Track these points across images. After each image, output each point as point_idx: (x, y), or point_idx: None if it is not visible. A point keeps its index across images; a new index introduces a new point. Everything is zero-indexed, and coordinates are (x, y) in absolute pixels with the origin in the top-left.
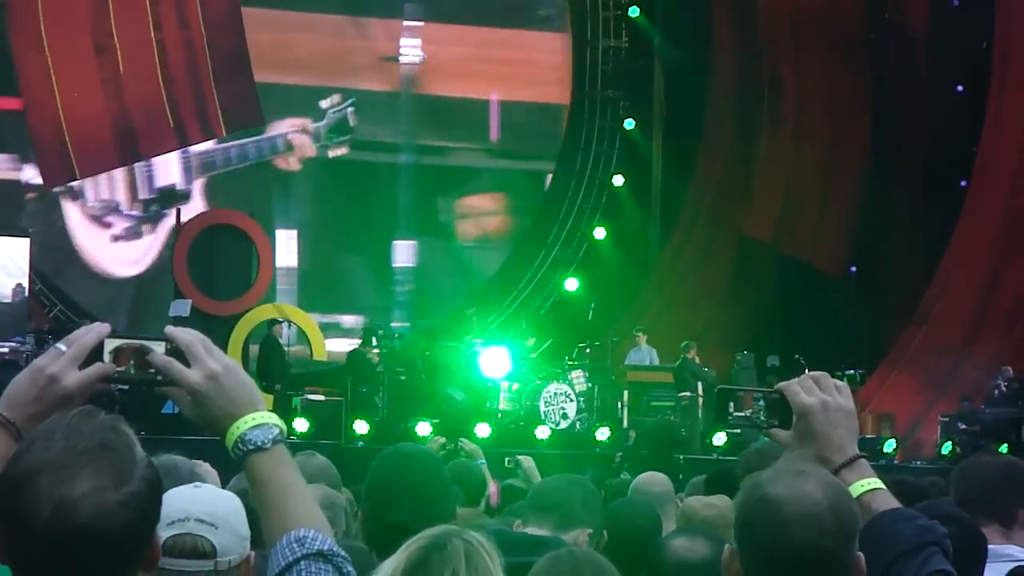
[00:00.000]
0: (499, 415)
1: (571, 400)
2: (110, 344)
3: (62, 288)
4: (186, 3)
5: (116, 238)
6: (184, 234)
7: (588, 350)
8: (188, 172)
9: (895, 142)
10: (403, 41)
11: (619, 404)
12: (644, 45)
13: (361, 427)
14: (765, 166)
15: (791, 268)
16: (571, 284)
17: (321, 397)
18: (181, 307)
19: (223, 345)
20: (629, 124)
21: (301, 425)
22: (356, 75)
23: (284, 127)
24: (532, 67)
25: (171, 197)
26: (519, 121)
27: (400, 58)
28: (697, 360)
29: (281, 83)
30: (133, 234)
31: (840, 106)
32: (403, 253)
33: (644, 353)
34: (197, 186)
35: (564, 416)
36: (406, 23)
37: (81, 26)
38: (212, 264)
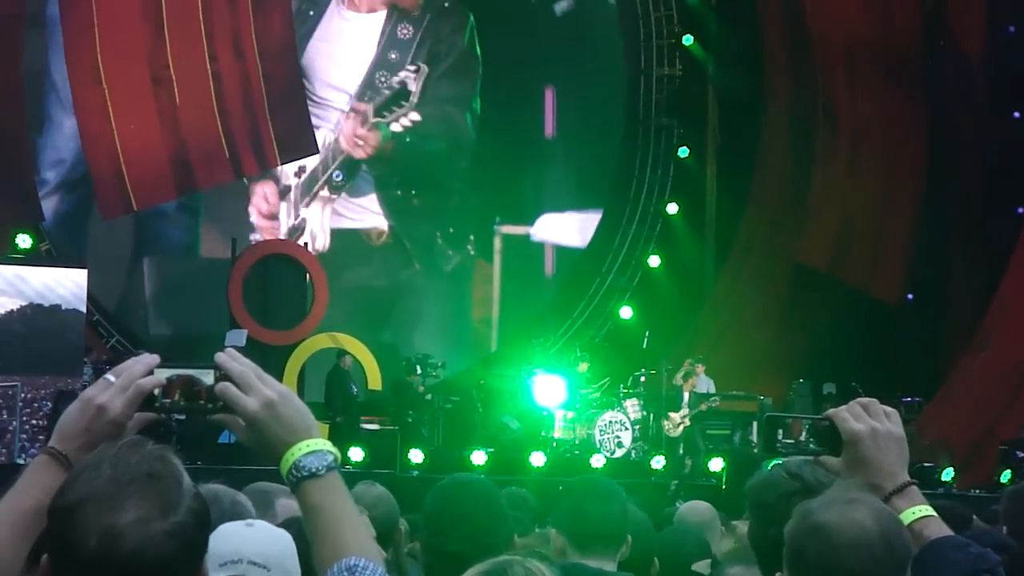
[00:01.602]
0: (554, 444)
1: (626, 428)
2: (160, 373)
3: (119, 319)
4: (242, 34)
5: None
6: (239, 264)
7: (643, 378)
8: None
9: (952, 169)
10: None
11: None
12: (698, 73)
13: (416, 456)
14: (820, 193)
15: (847, 295)
16: (626, 312)
17: (376, 426)
18: (237, 337)
19: (279, 375)
20: (683, 152)
21: (356, 454)
22: None
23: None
24: None
25: None
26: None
27: None
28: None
29: None
30: None
31: (896, 133)
32: None
33: (702, 382)
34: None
35: (619, 444)
36: None
37: (138, 58)
38: (267, 294)
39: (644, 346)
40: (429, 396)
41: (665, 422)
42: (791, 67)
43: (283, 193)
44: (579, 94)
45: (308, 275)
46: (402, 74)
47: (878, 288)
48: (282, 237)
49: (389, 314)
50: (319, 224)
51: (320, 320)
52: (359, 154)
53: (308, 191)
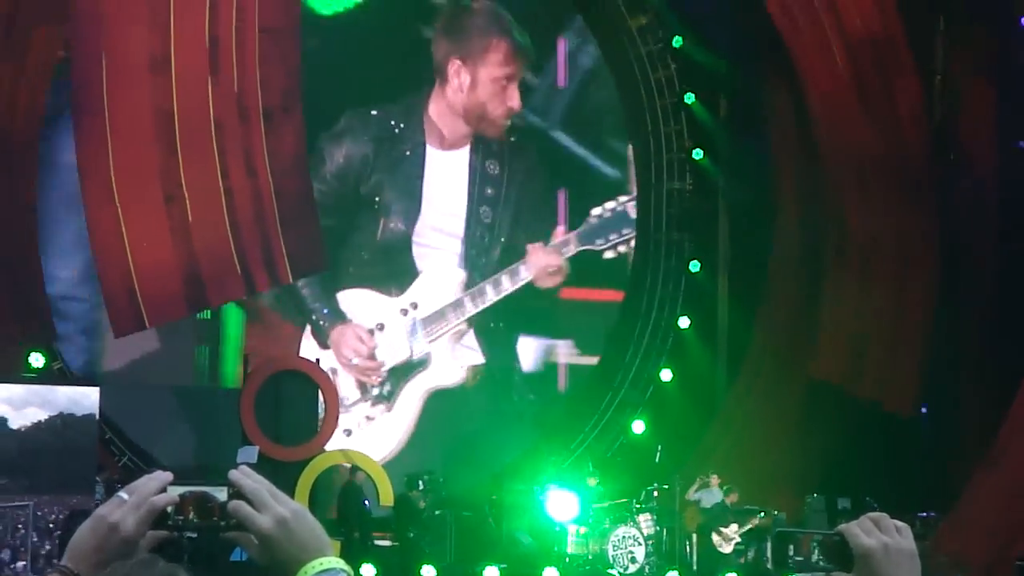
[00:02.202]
0: (567, 559)
1: (639, 544)
2: (174, 491)
3: (131, 436)
4: (253, 151)
5: None
6: (251, 380)
7: (656, 493)
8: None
9: (964, 282)
10: None
11: (688, 547)
12: (708, 187)
13: (429, 573)
14: (832, 307)
15: (860, 409)
16: (638, 427)
17: (388, 542)
18: (248, 453)
19: (290, 491)
20: (694, 266)
21: (368, 571)
22: None
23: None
24: None
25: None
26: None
27: None
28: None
29: None
30: None
31: (907, 246)
32: None
33: (715, 497)
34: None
35: (632, 560)
36: None
37: (151, 177)
38: (279, 410)
39: (656, 460)
40: (437, 512)
41: (716, 536)
42: (801, 181)
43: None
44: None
45: (320, 391)
46: (621, 199)
47: (891, 402)
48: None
49: None
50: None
51: (331, 436)
52: (548, 284)
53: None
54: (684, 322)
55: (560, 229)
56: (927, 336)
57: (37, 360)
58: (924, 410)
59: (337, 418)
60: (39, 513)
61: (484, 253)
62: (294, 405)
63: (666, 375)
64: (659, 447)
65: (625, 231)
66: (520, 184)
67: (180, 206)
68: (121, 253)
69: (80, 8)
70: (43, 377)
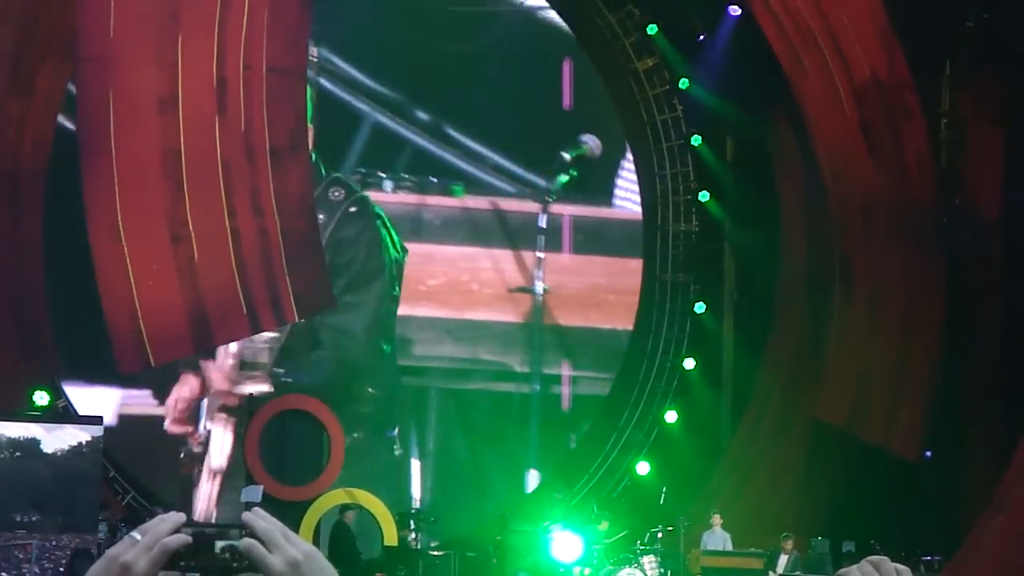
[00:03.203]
0: None
1: None
2: (187, 532)
3: (135, 476)
4: (260, 191)
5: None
6: (256, 420)
7: (660, 535)
8: None
9: (970, 326)
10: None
11: None
12: (714, 229)
13: None
14: (837, 350)
15: (865, 453)
16: (643, 468)
17: None
18: (253, 493)
19: (295, 530)
20: (700, 307)
21: None
22: (487, 305)
23: None
24: None
25: None
26: None
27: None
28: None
29: (412, 315)
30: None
31: (913, 289)
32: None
33: (719, 538)
34: None
35: None
36: (538, 254)
37: (158, 216)
38: (283, 450)
39: (661, 502)
40: (441, 552)
41: None
42: (808, 224)
43: None
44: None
45: (325, 431)
46: None
47: (896, 445)
48: None
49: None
50: None
51: (336, 476)
52: None
53: None
54: (689, 363)
55: None
56: (932, 380)
57: (42, 398)
58: (928, 454)
59: (342, 458)
60: (42, 553)
61: None
62: (298, 445)
63: (671, 416)
64: (664, 488)
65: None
66: None
67: (186, 245)
68: (127, 292)
69: (87, 48)
70: (47, 415)
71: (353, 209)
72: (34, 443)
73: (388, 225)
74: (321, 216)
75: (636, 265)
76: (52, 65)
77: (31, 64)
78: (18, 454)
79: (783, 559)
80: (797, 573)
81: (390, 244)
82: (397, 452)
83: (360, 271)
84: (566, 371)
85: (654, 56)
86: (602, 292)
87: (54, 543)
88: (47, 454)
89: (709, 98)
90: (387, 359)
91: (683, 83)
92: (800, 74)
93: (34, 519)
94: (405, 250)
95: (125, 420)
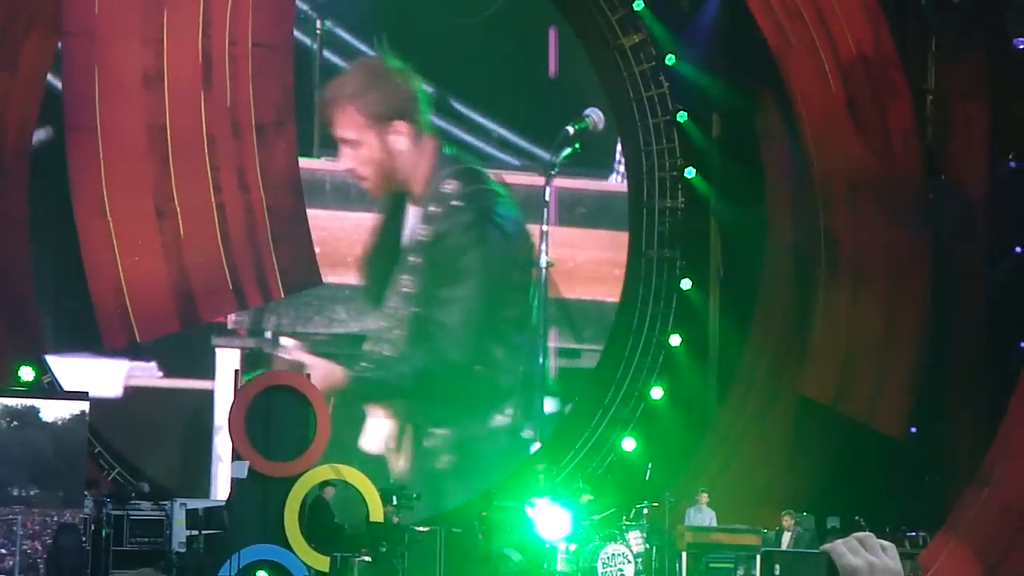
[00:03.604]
0: None
1: (628, 561)
2: None
3: (120, 451)
4: (246, 167)
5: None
6: (242, 395)
7: (646, 511)
8: None
9: (954, 303)
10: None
11: (677, 566)
12: (700, 205)
13: None
14: (823, 326)
15: (851, 429)
16: (628, 444)
17: (368, 559)
18: (239, 469)
19: (280, 507)
20: (686, 284)
21: None
22: None
23: None
24: None
25: None
26: None
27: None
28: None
29: None
30: None
31: (898, 266)
32: None
33: (705, 515)
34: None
35: None
36: (543, 227)
37: (143, 192)
38: (269, 425)
39: (647, 478)
40: (423, 529)
41: None
42: (793, 200)
43: None
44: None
45: (310, 406)
46: None
47: (881, 421)
48: None
49: None
50: None
51: (323, 451)
52: None
53: None
54: (675, 339)
55: None
56: (917, 356)
57: (27, 374)
58: (914, 430)
59: (328, 434)
60: (27, 528)
61: None
62: (284, 420)
63: (657, 392)
64: (649, 464)
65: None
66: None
67: (172, 221)
68: (112, 267)
69: (72, 24)
70: (33, 391)
71: (457, 203)
72: (20, 419)
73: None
74: (432, 207)
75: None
76: (36, 39)
77: (15, 38)
78: (2, 431)
79: (786, 536)
80: (804, 548)
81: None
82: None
83: (458, 266)
84: (558, 343)
85: (640, 32)
86: (607, 266)
87: (38, 519)
88: (31, 430)
89: (695, 74)
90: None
91: (669, 59)
92: (786, 50)
93: (32, 493)
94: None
95: (114, 393)
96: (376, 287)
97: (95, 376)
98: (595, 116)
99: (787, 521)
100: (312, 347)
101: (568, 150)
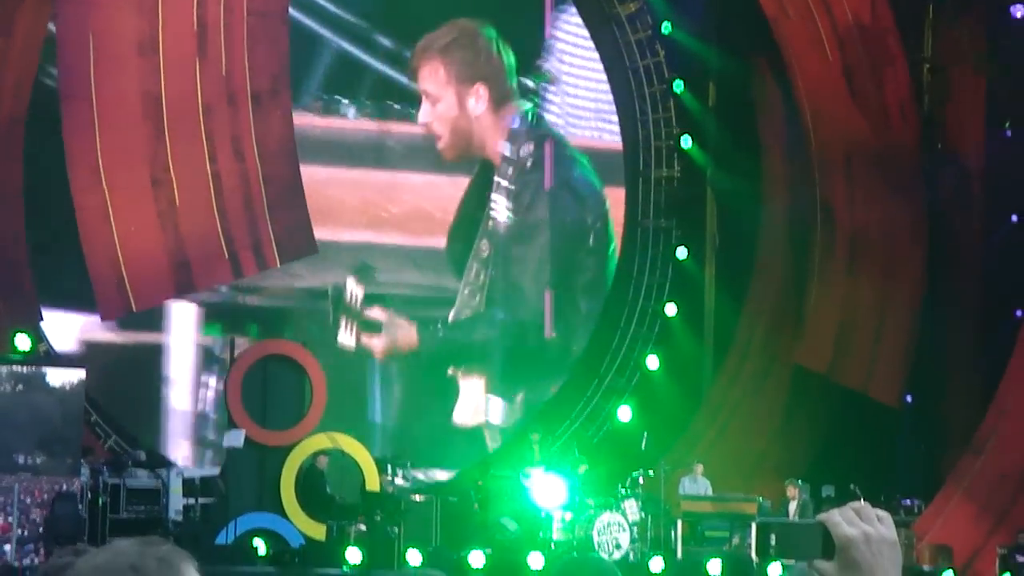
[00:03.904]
0: (552, 545)
1: (624, 530)
2: None
3: (117, 419)
4: (241, 136)
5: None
6: (238, 365)
7: (641, 479)
8: None
9: (950, 271)
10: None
11: (673, 534)
12: (696, 175)
13: (414, 557)
14: (819, 295)
15: (846, 398)
16: (624, 413)
17: (363, 527)
18: (235, 438)
19: (277, 476)
20: (681, 253)
21: (354, 556)
22: None
23: None
24: None
25: None
26: None
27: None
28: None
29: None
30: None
31: (894, 235)
32: None
33: (700, 485)
34: None
35: (617, 546)
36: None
37: (139, 161)
38: (265, 395)
39: (643, 447)
40: (419, 498)
41: None
42: (789, 170)
43: None
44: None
45: (307, 376)
46: None
47: (877, 390)
48: None
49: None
50: None
51: (318, 420)
52: None
53: None
54: (671, 309)
55: None
56: (913, 325)
57: (23, 342)
58: (909, 399)
59: (323, 403)
60: (24, 496)
61: None
62: (280, 389)
63: (652, 362)
64: (645, 434)
65: None
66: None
67: (167, 190)
68: (108, 236)
69: None
70: (29, 359)
71: (531, 166)
72: (16, 387)
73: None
74: (510, 172)
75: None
76: (32, 6)
77: (10, 5)
78: (20, 387)
79: (792, 505)
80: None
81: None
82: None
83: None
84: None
85: (636, 1)
86: None
87: (35, 487)
88: (28, 399)
89: (691, 43)
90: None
91: (665, 28)
92: (783, 19)
93: (39, 461)
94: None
95: (105, 359)
96: (460, 253)
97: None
98: (553, 69)
99: (792, 491)
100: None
101: (528, 104)
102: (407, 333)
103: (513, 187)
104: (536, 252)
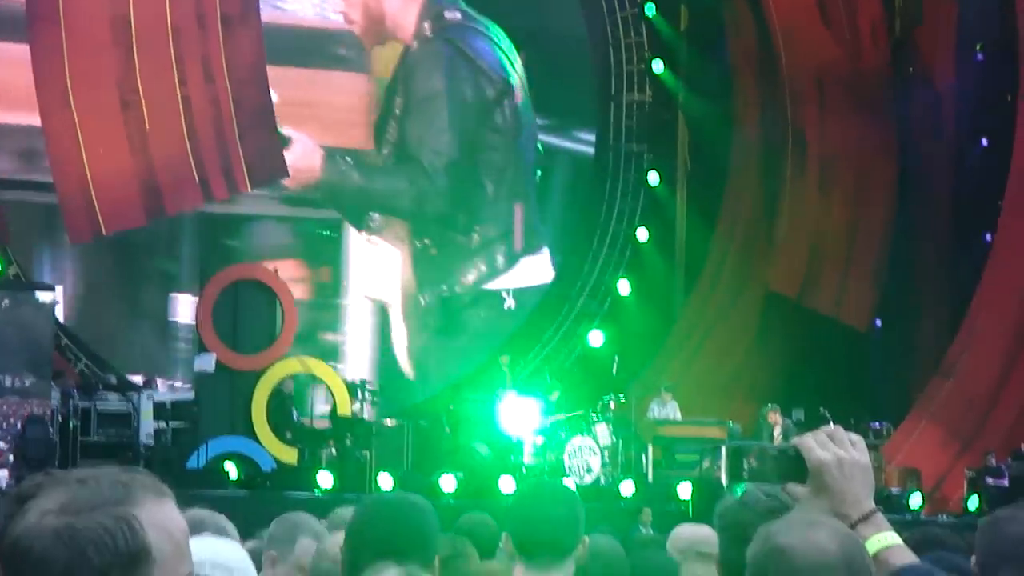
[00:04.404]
0: (523, 469)
1: (595, 454)
2: None
3: (88, 342)
4: (211, 58)
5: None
6: (209, 289)
7: (613, 404)
8: None
9: (921, 195)
10: None
11: (643, 458)
12: (668, 99)
13: (385, 481)
14: (790, 220)
15: (816, 322)
16: (595, 338)
17: (335, 452)
18: (206, 361)
19: (247, 400)
20: (653, 178)
21: (325, 480)
22: None
23: None
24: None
25: None
26: None
27: None
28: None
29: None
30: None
31: (865, 159)
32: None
33: (669, 409)
34: None
35: (588, 470)
36: None
37: (108, 82)
38: (236, 319)
39: (614, 372)
40: (390, 422)
41: None
42: (761, 94)
43: None
44: (548, 119)
45: (278, 301)
46: None
47: (847, 314)
48: None
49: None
50: None
51: (290, 345)
52: None
53: None
54: (642, 234)
55: None
56: (883, 250)
57: None
58: (879, 323)
59: (294, 327)
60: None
61: None
62: (252, 314)
63: (624, 287)
64: (616, 358)
65: None
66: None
67: (137, 113)
68: (77, 159)
69: None
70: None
71: (430, 36)
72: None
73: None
74: (413, 45)
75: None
76: None
77: None
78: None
79: (777, 431)
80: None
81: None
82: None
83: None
84: None
85: None
86: None
87: (6, 410)
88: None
89: None
90: None
91: None
92: None
93: (8, 384)
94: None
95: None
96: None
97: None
98: None
99: (774, 416)
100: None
101: None
102: (312, 156)
103: (410, 57)
104: (438, 122)
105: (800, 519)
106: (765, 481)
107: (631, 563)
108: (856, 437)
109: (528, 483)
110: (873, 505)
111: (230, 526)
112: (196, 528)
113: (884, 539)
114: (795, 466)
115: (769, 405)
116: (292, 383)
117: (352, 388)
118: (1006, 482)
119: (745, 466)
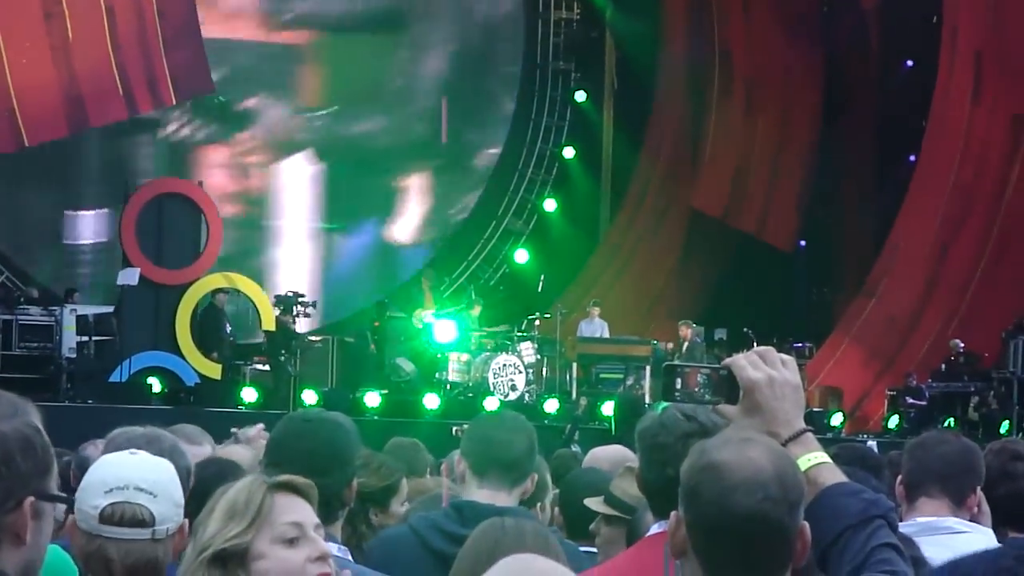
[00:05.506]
0: (448, 386)
1: (520, 372)
2: None
3: (9, 255)
4: None
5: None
6: (133, 203)
7: (537, 322)
8: None
9: (845, 116)
10: None
11: (568, 376)
12: (596, 17)
13: (309, 397)
14: (715, 140)
15: (741, 241)
16: (521, 256)
17: (267, 367)
18: (129, 276)
19: (172, 314)
20: (580, 96)
21: (249, 395)
22: None
23: None
24: None
25: None
26: None
27: None
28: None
29: None
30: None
31: (791, 80)
32: None
33: (596, 326)
34: None
35: (513, 388)
36: None
37: None
38: (160, 233)
39: (539, 290)
40: (318, 338)
41: None
42: (688, 13)
43: None
44: (474, 39)
45: (203, 215)
46: None
47: (771, 234)
48: None
49: None
50: None
51: (214, 260)
52: None
53: None
54: (569, 152)
55: None
56: (808, 170)
57: None
58: (803, 243)
59: (220, 242)
60: None
61: None
62: (176, 228)
63: (550, 204)
64: (542, 276)
65: None
66: None
67: (60, 23)
68: (0, 70)
69: None
70: None
71: None
72: None
73: None
74: None
75: None
76: None
77: None
78: None
79: (686, 346)
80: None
81: None
82: None
83: None
84: None
85: None
86: None
87: None
88: None
89: None
90: None
91: None
92: None
93: None
94: None
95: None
96: None
97: None
98: None
99: (684, 331)
100: None
101: None
102: None
103: None
104: None
105: (734, 436)
106: (697, 401)
107: (565, 483)
108: (788, 357)
109: (492, 411)
110: (804, 424)
111: (185, 448)
112: (151, 444)
113: (814, 457)
114: (726, 385)
115: (681, 320)
116: (225, 297)
117: (284, 301)
118: (925, 403)
119: (678, 385)
